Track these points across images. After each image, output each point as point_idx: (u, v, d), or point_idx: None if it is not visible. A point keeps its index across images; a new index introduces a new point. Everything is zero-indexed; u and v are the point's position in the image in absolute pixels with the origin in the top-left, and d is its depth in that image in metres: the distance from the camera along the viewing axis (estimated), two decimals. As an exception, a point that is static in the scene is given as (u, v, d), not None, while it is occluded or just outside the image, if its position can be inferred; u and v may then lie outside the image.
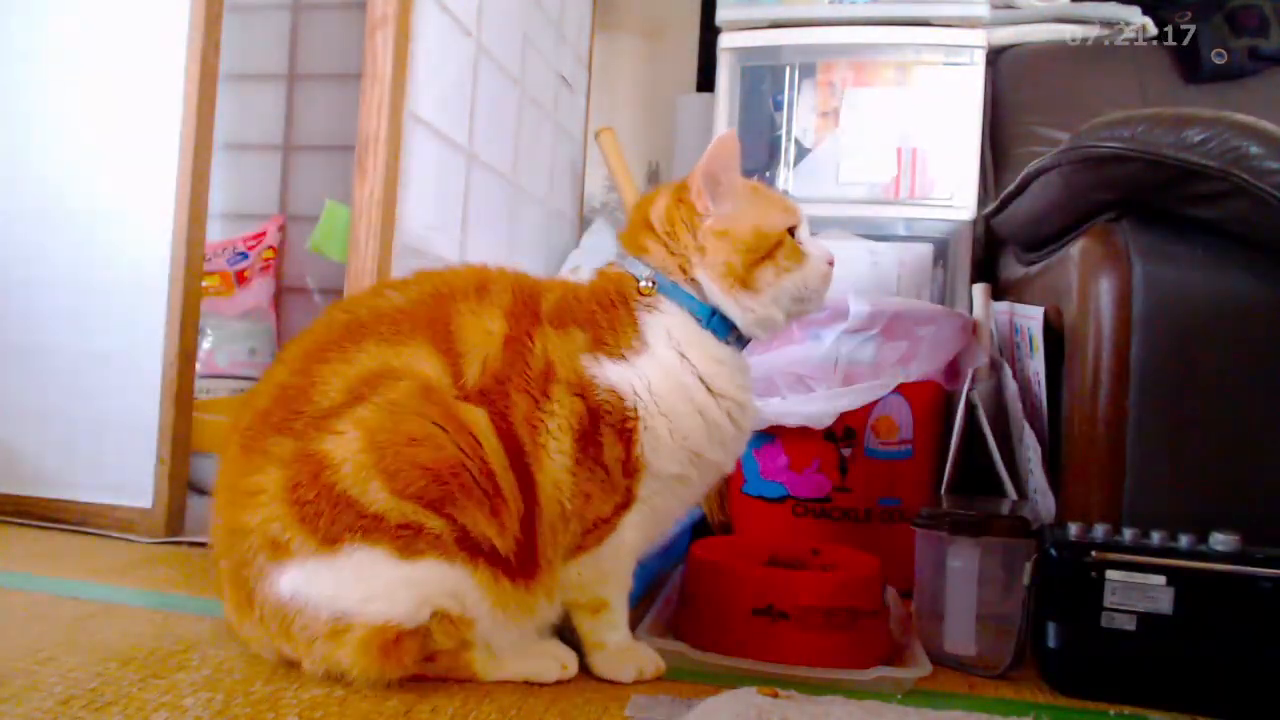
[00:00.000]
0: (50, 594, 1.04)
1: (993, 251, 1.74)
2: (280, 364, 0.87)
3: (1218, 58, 1.90)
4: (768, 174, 1.88)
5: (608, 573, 0.88)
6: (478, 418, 0.81)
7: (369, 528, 0.77)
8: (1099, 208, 1.13)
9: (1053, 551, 0.92)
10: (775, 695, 0.82)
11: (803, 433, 1.30)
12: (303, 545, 0.78)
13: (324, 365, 0.83)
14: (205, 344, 1.95)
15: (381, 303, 0.87)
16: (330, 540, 0.77)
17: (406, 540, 0.78)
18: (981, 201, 1.77)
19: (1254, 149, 0.98)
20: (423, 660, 0.81)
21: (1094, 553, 0.90)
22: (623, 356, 0.86)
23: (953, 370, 1.38)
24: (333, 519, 0.77)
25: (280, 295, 2.15)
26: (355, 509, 0.77)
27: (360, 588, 0.78)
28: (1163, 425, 1.04)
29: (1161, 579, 0.88)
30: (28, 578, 1.11)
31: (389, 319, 0.85)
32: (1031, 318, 1.23)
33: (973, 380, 1.35)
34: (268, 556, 0.79)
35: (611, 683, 0.87)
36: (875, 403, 1.30)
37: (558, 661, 0.87)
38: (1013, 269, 1.55)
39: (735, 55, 1.87)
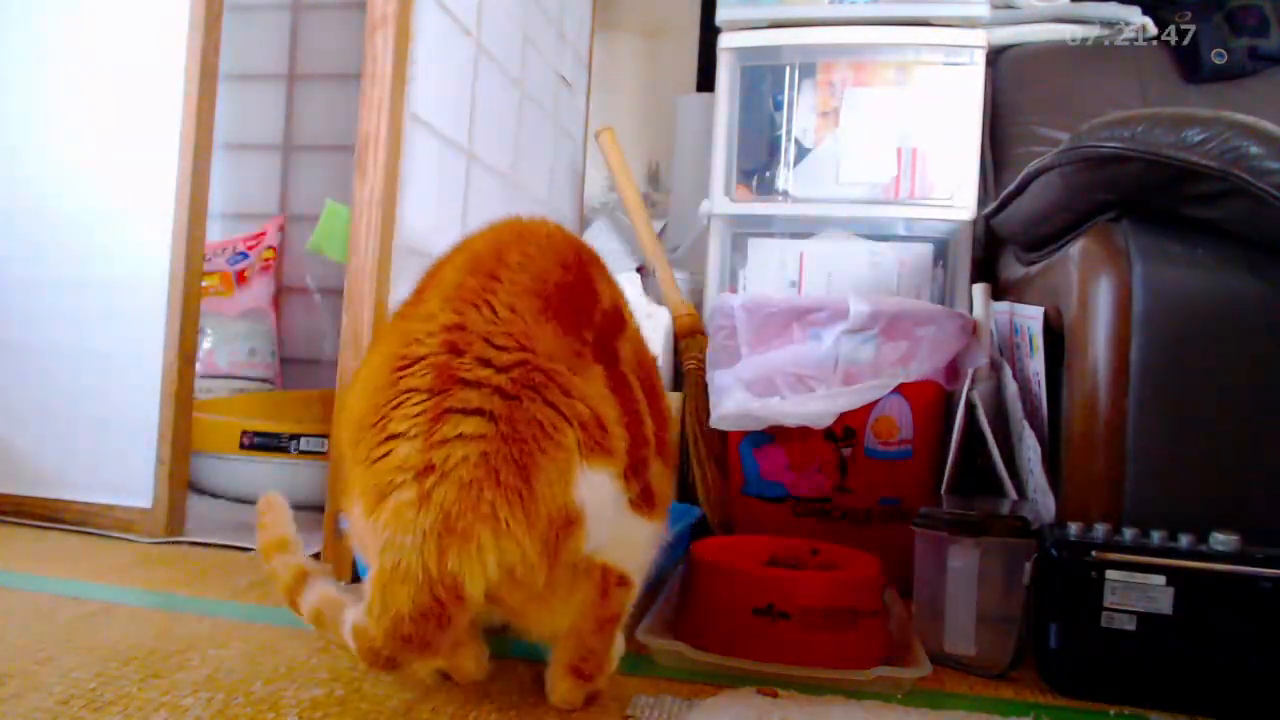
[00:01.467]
0: (50, 594, 1.04)
1: (993, 251, 1.74)
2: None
3: (1218, 58, 1.89)
4: (768, 174, 1.88)
5: None
6: None
7: None
8: (1099, 208, 1.13)
9: (1053, 551, 0.92)
10: (775, 695, 0.82)
11: (803, 433, 1.30)
12: None
13: None
14: (205, 344, 1.96)
15: None
16: None
17: None
18: (981, 201, 1.77)
19: (1254, 149, 0.97)
20: None
21: (1094, 553, 0.90)
22: None
23: (953, 370, 1.38)
24: None
25: (280, 295, 2.15)
26: None
27: None
28: (1163, 425, 1.04)
29: (1161, 579, 0.88)
30: (28, 578, 1.11)
31: None
32: (1031, 318, 1.23)
33: (973, 380, 1.35)
34: None
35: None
36: (875, 403, 1.30)
37: None
38: (1013, 269, 1.54)
39: (735, 55, 1.87)
